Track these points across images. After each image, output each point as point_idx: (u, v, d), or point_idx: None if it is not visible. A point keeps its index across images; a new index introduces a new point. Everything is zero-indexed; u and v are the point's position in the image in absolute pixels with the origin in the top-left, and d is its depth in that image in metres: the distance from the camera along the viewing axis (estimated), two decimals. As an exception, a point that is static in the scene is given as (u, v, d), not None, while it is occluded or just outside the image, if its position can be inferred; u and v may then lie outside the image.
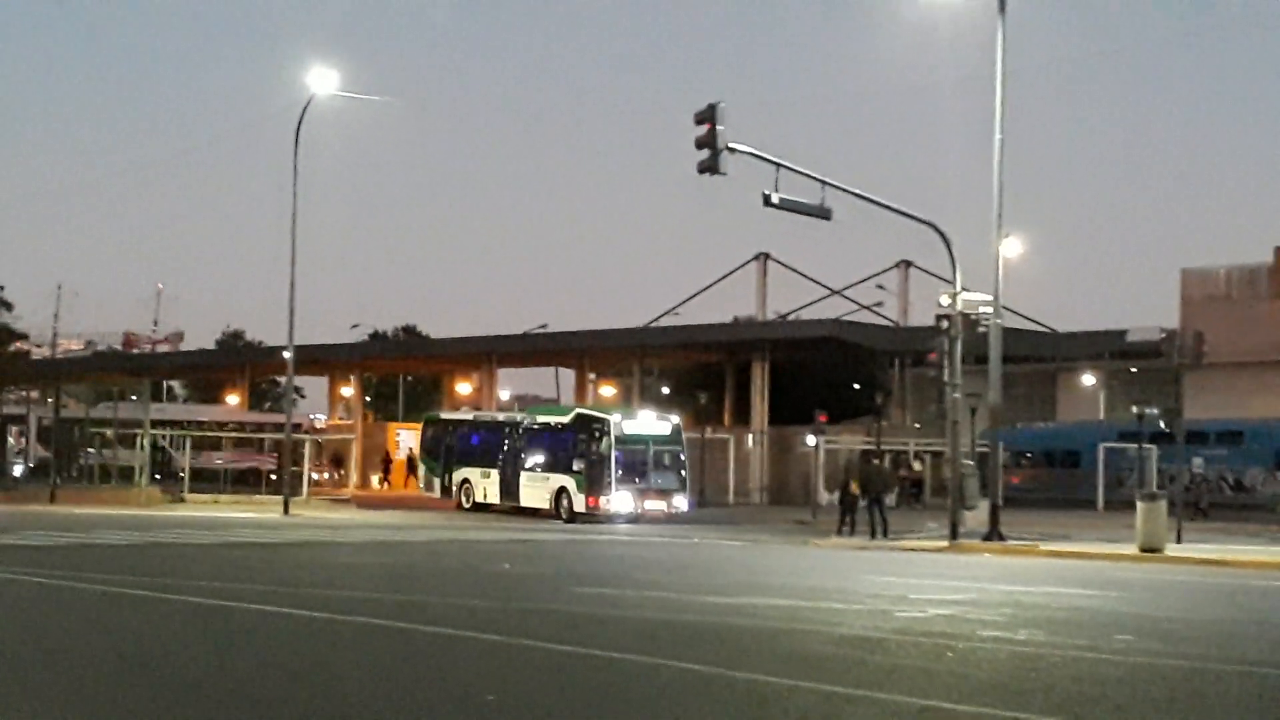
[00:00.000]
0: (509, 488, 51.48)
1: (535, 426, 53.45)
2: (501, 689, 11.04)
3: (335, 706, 10.51)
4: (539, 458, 51.24)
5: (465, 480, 53.92)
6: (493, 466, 52.78)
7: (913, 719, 9.86)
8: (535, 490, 50.48)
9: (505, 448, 52.93)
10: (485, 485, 52.70)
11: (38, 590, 19.43)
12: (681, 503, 49.40)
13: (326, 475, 77.02)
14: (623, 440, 48.99)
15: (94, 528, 35.64)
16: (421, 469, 60.93)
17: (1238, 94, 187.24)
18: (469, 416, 64.68)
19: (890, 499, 51.64)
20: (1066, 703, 10.57)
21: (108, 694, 10.98)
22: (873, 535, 37.01)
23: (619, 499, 47.78)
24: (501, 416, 61.27)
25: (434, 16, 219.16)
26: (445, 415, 66.85)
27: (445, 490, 55.17)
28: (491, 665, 12.43)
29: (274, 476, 68.87)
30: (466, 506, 52.94)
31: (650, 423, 51.50)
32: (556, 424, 52.61)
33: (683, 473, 50.27)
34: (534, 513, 49.20)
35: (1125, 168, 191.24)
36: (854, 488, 38.99)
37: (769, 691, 11.04)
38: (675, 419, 52.70)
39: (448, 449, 56.62)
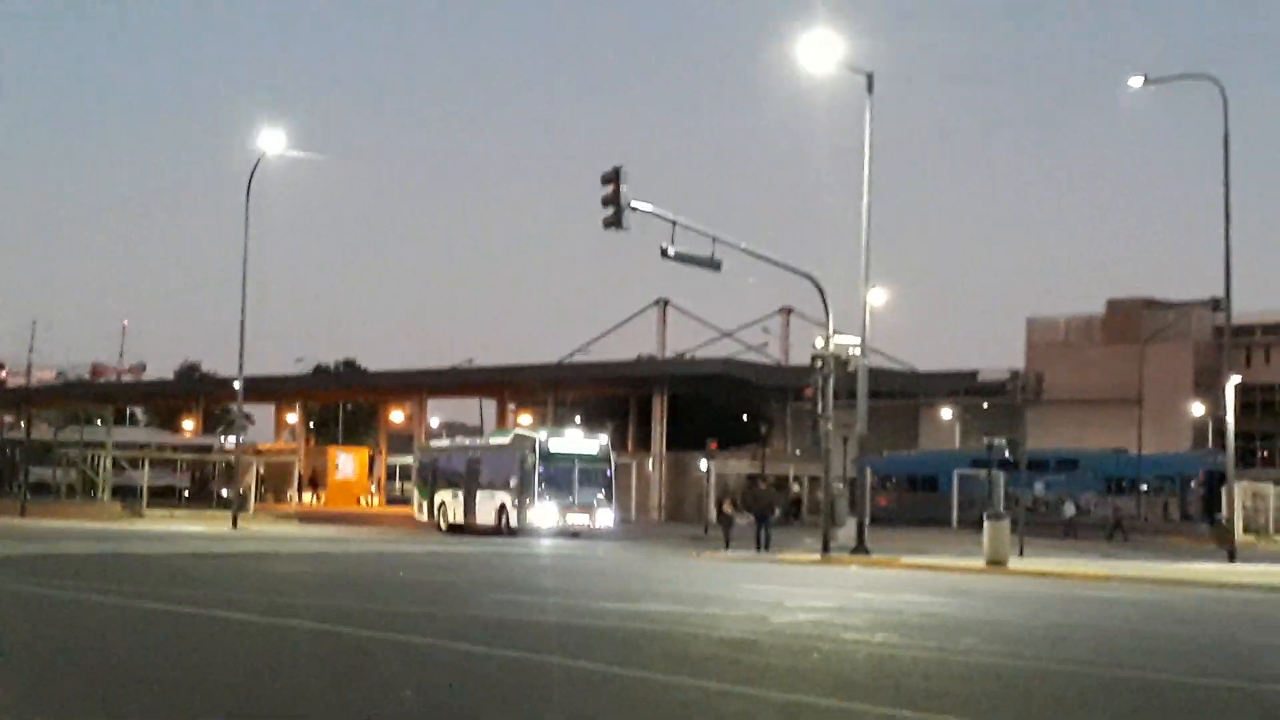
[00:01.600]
0: (469, 507, 49.81)
1: (488, 448, 52.46)
2: (417, 685, 10.90)
3: (264, 699, 10.36)
4: (488, 477, 49.37)
5: (442, 502, 52.17)
6: (459, 488, 51.11)
7: (778, 712, 9.78)
8: (485, 508, 48.70)
9: (466, 470, 51.35)
10: (454, 506, 50.92)
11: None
12: (606, 518, 47.44)
13: (308, 495, 76.74)
14: (548, 457, 46.96)
15: (59, 539, 35.04)
16: (415, 494, 59.39)
17: (1075, 166, 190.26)
18: (446, 444, 63.58)
19: (775, 516, 51.84)
20: (914, 697, 10.50)
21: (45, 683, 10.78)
22: (757, 549, 36.99)
23: (542, 513, 45.87)
24: (467, 442, 59.59)
25: (372, 85, 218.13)
26: (433, 444, 65.69)
27: (430, 513, 53.13)
28: (410, 664, 12.28)
29: (224, 494, 68.34)
30: (443, 528, 51.03)
31: (577, 441, 49.61)
32: (499, 445, 51.51)
33: (609, 489, 48.20)
34: (489, 530, 47.47)
35: (979, 226, 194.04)
36: (727, 507, 39.53)
37: (654, 687, 10.94)
38: (604, 438, 50.78)
39: (431, 475, 55.07)
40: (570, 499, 46.49)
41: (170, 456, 73.83)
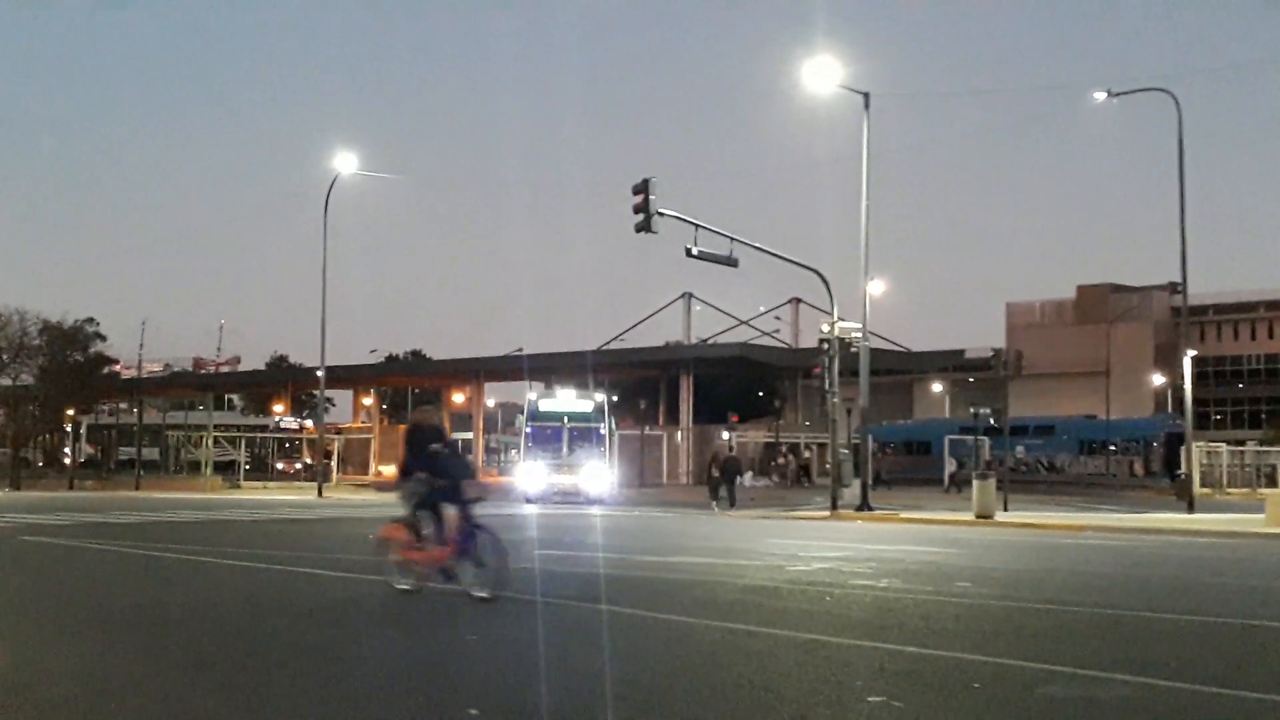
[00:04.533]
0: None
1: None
2: (483, 631, 10.95)
3: (336, 645, 10.39)
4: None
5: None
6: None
7: (797, 649, 9.75)
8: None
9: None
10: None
11: (118, 557, 19.16)
12: (594, 480, 40.65)
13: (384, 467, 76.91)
14: (537, 416, 41.71)
15: (170, 508, 35.37)
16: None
17: (1048, 168, 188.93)
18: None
19: (747, 479, 51.87)
20: (916, 635, 10.51)
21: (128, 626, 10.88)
22: (731, 505, 36.94)
23: (528, 473, 40.68)
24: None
25: (432, 111, 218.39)
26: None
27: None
28: (476, 613, 12.31)
29: (298, 466, 68.81)
30: None
31: (568, 400, 43.45)
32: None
33: (601, 449, 41.53)
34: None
35: (965, 222, 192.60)
36: (714, 471, 39.35)
37: (686, 629, 10.97)
38: (599, 397, 44.15)
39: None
40: (557, 459, 40.76)
41: (264, 436, 74.14)
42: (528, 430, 41.30)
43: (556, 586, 14.00)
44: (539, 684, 8.23)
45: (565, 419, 41.59)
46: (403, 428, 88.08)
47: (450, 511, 12.99)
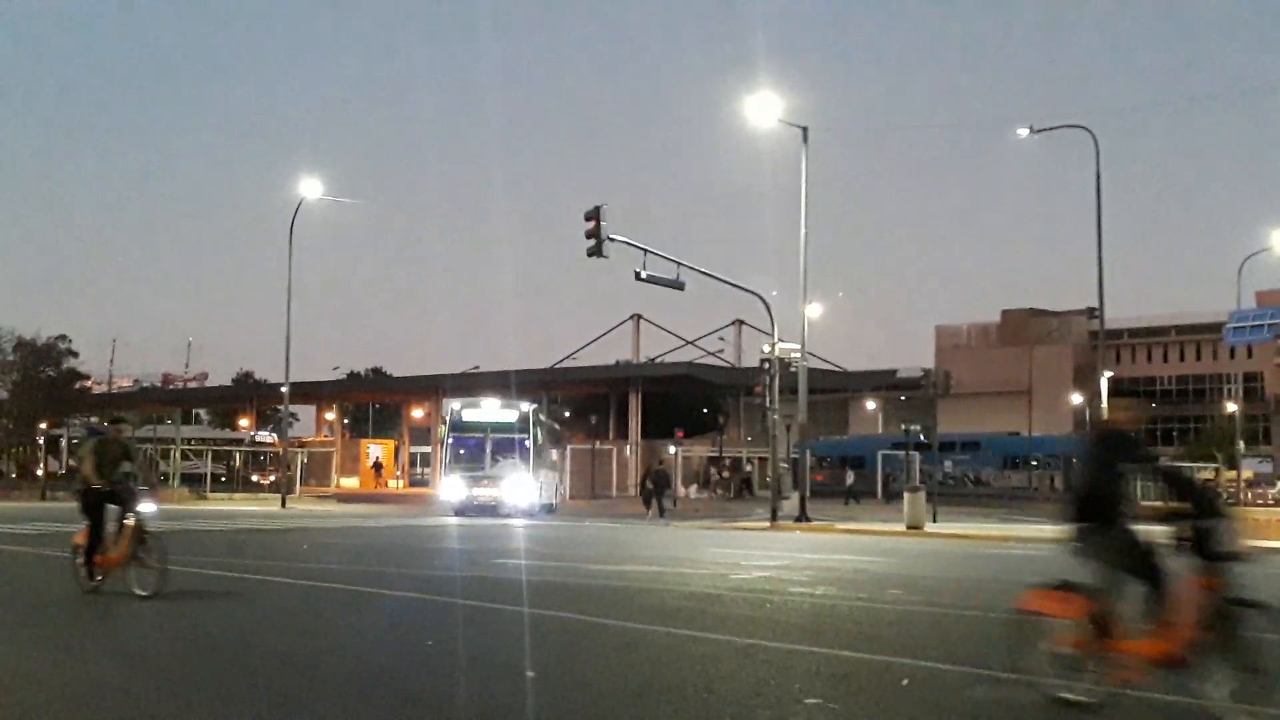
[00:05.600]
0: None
1: None
2: (436, 636, 10.87)
3: (309, 652, 10.31)
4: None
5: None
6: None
7: (738, 653, 9.75)
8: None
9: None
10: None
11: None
12: (517, 493, 37.20)
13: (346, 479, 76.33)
14: (458, 427, 38.72)
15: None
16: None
17: (974, 198, 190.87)
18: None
19: (692, 492, 51.92)
20: (850, 640, 10.52)
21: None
22: (660, 515, 37.35)
23: (449, 486, 37.85)
24: None
25: (392, 138, 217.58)
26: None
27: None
28: (428, 619, 12.25)
29: (273, 478, 68.12)
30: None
31: (492, 410, 39.68)
32: None
33: (528, 462, 37.88)
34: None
35: (896, 248, 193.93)
36: (649, 483, 39.66)
37: (634, 635, 10.94)
38: (526, 407, 40.19)
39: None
40: (479, 471, 37.44)
41: (228, 449, 73.50)
42: (449, 441, 38.44)
43: (512, 593, 13.93)
44: (480, 685, 8.19)
45: (489, 429, 38.26)
46: (365, 442, 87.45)
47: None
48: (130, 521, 13.27)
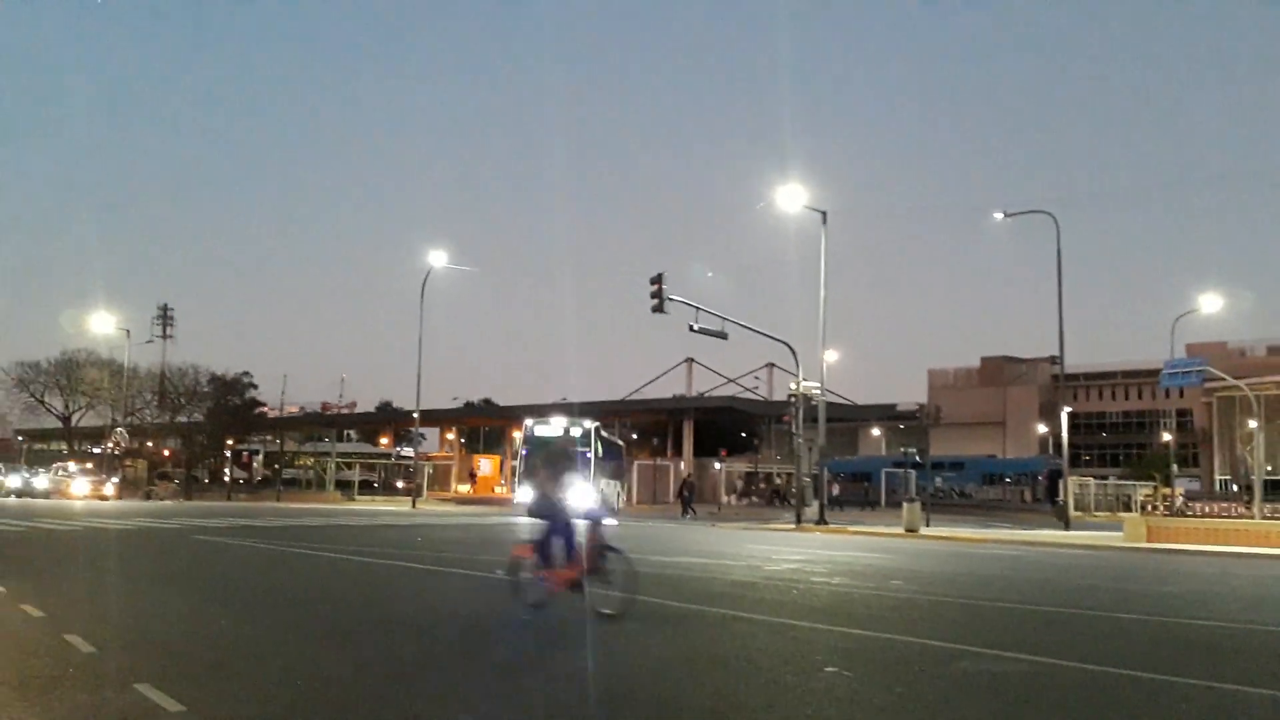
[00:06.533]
0: None
1: None
2: (539, 615, 10.76)
3: (420, 621, 10.26)
4: None
5: None
6: None
7: (771, 630, 9.60)
8: None
9: None
10: None
11: (267, 553, 18.98)
12: (580, 498, 35.68)
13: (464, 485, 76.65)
14: (530, 441, 36.92)
15: (301, 515, 35.23)
16: None
17: (960, 267, 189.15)
18: None
19: (733, 500, 51.18)
20: (861, 620, 10.34)
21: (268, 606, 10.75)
22: (684, 514, 37.85)
23: (525, 493, 33.25)
24: None
25: (502, 215, 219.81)
26: None
27: None
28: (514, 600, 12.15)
29: (401, 484, 68.56)
30: None
31: (560, 427, 37.73)
32: None
33: (585, 473, 34.80)
34: None
35: (897, 306, 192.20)
36: (684, 492, 39.65)
37: (686, 613, 10.78)
38: (589, 424, 38.22)
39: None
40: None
41: (372, 461, 74.23)
42: (523, 453, 36.39)
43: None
44: (560, 655, 8.12)
45: (557, 444, 36.64)
46: (477, 457, 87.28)
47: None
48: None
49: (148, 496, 55.03)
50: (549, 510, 10.52)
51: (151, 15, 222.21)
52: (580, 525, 10.37)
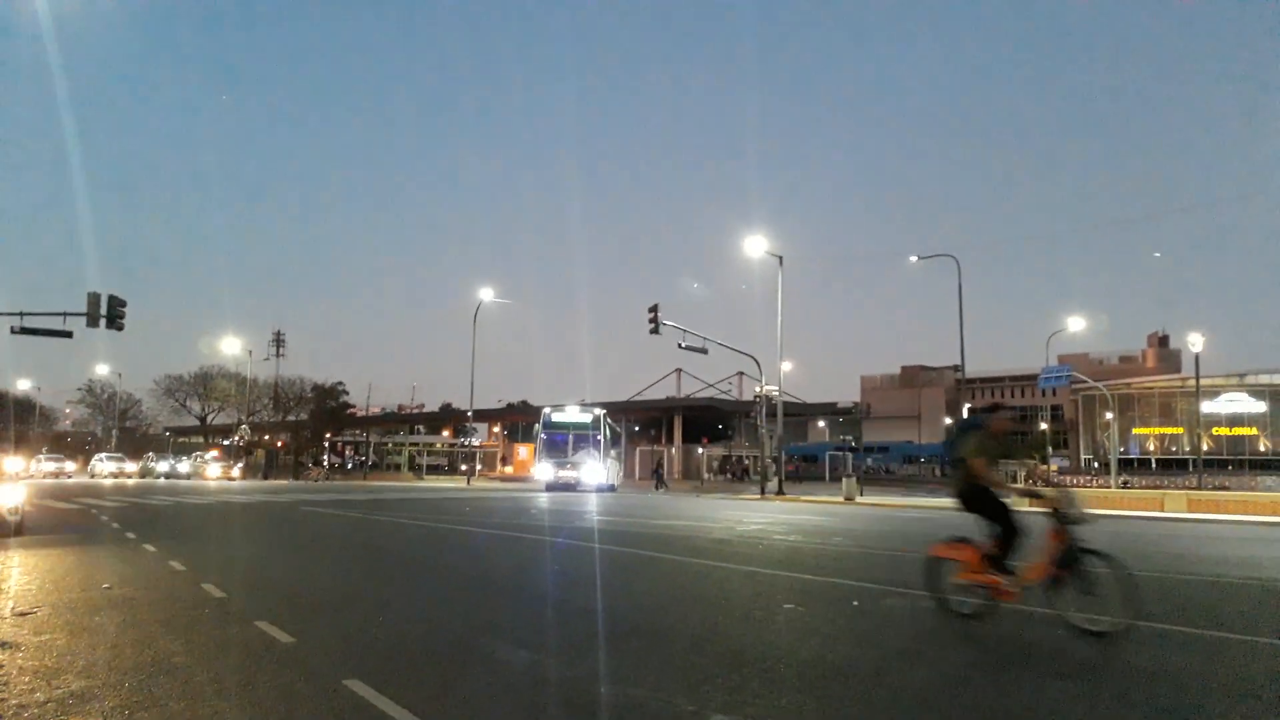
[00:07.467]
0: None
1: None
2: (562, 564, 10.75)
3: (482, 578, 10.19)
4: None
5: None
6: None
7: (743, 576, 9.56)
8: None
9: None
10: None
11: (356, 521, 18.69)
12: (591, 476, 32.96)
13: (507, 468, 76.31)
14: (548, 425, 34.34)
15: (382, 492, 34.98)
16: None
17: (884, 301, 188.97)
18: None
19: (711, 476, 50.98)
20: (811, 567, 10.27)
21: (346, 562, 10.68)
22: (658, 487, 37.75)
23: (541, 469, 33.99)
24: None
25: (544, 254, 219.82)
26: None
27: None
28: (537, 553, 12.11)
29: (464, 467, 68.30)
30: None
31: (573, 413, 35.11)
32: None
33: (595, 453, 33.51)
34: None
35: (836, 327, 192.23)
36: (662, 470, 40.42)
37: (680, 563, 10.71)
38: (598, 411, 35.33)
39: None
40: (561, 459, 33.41)
41: (438, 449, 73.97)
42: (542, 436, 34.23)
43: (599, 535, 13.72)
44: (576, 593, 8.07)
45: (570, 427, 34.06)
46: (517, 445, 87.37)
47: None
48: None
49: (266, 477, 54.84)
50: None
51: (282, 91, 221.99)
52: None
